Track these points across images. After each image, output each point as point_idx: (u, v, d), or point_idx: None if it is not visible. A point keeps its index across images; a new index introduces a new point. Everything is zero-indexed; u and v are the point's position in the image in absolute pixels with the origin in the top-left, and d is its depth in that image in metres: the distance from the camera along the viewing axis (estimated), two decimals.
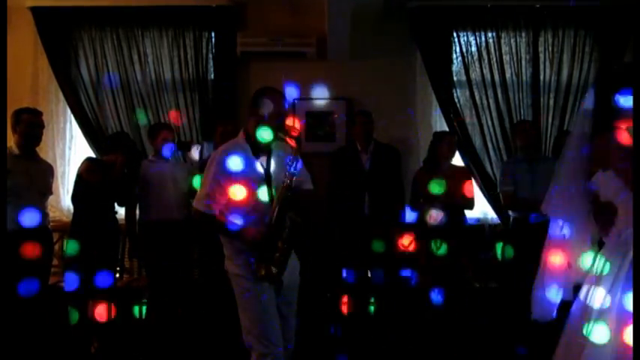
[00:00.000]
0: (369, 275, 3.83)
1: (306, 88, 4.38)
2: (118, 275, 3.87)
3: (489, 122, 4.37)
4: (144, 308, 3.77)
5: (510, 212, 3.87)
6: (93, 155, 4.18)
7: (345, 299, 3.84)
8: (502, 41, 4.37)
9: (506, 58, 4.37)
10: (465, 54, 4.38)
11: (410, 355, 3.41)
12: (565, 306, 1.84)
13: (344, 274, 3.81)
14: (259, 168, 2.25)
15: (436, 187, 3.60)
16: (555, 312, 1.87)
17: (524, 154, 3.76)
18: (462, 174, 3.89)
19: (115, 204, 3.60)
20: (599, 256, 1.73)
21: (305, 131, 4.44)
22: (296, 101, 4.44)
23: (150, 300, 3.66)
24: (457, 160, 4.21)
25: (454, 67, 4.42)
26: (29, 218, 3.19)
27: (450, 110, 4.35)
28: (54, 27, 4.37)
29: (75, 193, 3.42)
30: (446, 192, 3.65)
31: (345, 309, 3.84)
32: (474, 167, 4.33)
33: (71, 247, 3.36)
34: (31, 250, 3.14)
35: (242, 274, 2.22)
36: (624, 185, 1.64)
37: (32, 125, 3.26)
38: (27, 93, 4.35)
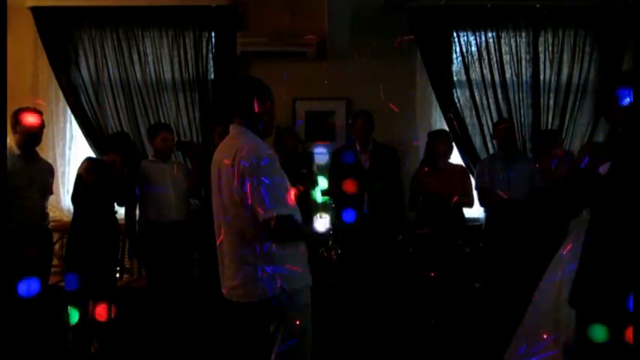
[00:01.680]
0: None
1: (306, 88, 4.38)
2: (118, 275, 3.87)
3: (489, 122, 4.37)
4: None
5: (484, 211, 3.90)
6: (93, 155, 4.19)
7: None
8: (502, 41, 4.37)
9: (506, 58, 4.37)
10: (465, 54, 4.38)
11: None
12: None
13: None
14: None
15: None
16: None
17: (502, 152, 3.81)
18: (461, 172, 3.91)
19: (115, 204, 3.59)
20: None
21: (305, 131, 4.45)
22: (296, 101, 4.44)
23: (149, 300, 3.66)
24: (457, 160, 4.23)
25: (454, 67, 4.42)
26: None
27: (450, 110, 4.36)
28: (54, 27, 4.38)
29: (75, 193, 3.41)
30: (446, 190, 3.67)
31: None
32: (474, 167, 4.32)
33: None
34: None
35: (309, 284, 2.07)
36: None
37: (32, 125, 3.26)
38: (27, 93, 4.35)
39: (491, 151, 4.35)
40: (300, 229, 2.03)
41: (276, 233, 1.90)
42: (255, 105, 2.06)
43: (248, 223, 1.94)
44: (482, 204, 3.92)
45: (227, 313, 2.16)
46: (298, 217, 2.01)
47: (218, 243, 2.09)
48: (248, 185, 1.91)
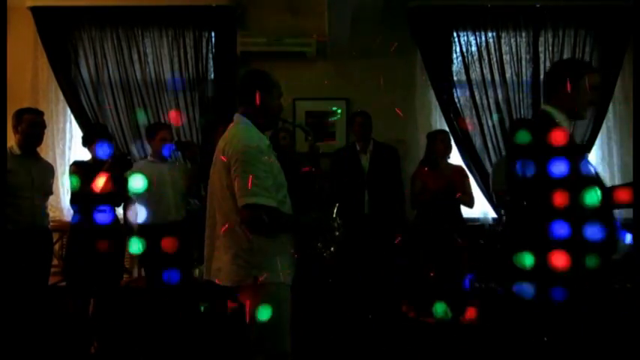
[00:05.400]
0: None
1: (306, 88, 4.38)
2: None
3: (489, 122, 4.37)
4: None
5: (503, 212, 3.89)
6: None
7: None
8: (502, 41, 4.38)
9: (506, 58, 4.38)
10: (465, 54, 4.39)
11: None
12: None
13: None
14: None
15: None
16: None
17: None
18: (460, 172, 3.92)
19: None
20: None
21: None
22: (296, 101, 4.45)
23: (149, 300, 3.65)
24: (457, 160, 4.22)
25: (454, 67, 4.43)
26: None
27: (450, 110, 4.36)
28: (54, 27, 4.38)
29: (71, 197, 3.41)
30: (446, 190, 3.67)
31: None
32: (474, 167, 4.33)
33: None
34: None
35: (285, 282, 2.02)
36: None
37: (34, 125, 3.26)
38: (27, 93, 4.36)
39: (491, 151, 4.35)
40: (282, 220, 2.02)
41: (252, 221, 1.93)
42: (257, 98, 2.08)
43: (232, 209, 1.97)
44: (500, 207, 3.91)
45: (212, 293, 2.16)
46: (285, 209, 2.04)
47: (208, 225, 2.12)
48: (232, 172, 1.96)
